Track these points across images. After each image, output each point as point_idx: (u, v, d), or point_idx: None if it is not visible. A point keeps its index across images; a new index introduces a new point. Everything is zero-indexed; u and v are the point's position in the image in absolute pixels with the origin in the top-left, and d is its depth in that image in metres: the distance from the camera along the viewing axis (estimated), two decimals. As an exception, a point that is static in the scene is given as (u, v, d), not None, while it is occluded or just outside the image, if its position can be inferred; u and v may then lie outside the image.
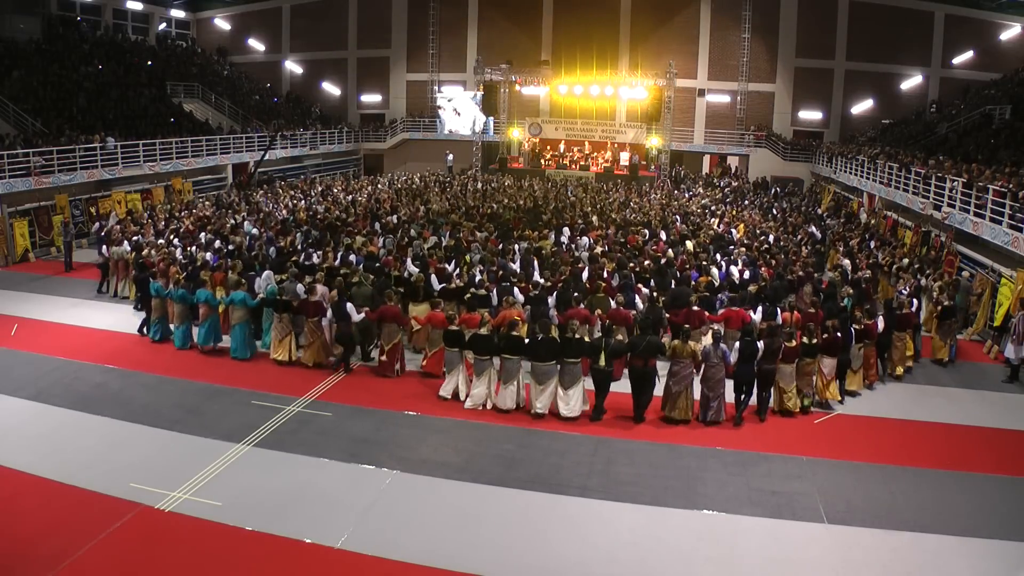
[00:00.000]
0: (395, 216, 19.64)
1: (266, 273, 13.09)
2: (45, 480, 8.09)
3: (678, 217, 21.21)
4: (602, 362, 9.89)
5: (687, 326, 10.52)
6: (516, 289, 12.32)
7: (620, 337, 10.77)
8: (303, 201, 23.20)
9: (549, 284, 12.89)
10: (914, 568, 6.96)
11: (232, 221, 18.90)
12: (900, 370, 11.96)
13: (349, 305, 11.43)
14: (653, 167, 33.64)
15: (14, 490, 7.92)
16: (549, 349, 9.99)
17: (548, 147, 35.60)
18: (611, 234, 17.77)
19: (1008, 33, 29.84)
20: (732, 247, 16.95)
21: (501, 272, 13.39)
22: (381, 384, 11.19)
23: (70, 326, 13.57)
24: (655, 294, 12.68)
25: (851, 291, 13.09)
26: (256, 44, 38.81)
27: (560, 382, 10.07)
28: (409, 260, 13.91)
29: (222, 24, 39.42)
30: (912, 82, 31.76)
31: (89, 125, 23.53)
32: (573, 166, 33.89)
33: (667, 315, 11.86)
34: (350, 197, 24.45)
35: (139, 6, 35.60)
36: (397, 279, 13.11)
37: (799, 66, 33.44)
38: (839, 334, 10.64)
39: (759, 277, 13.94)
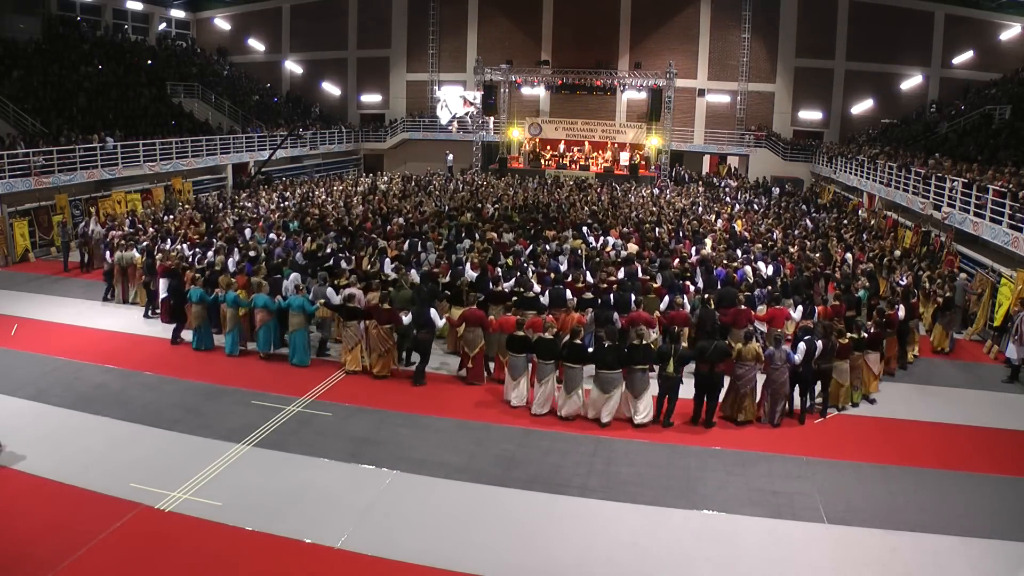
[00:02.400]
0: (400, 218, 19.30)
1: (293, 276, 12.86)
2: (45, 480, 8.10)
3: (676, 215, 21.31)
4: (671, 369, 9.76)
5: (750, 327, 10.48)
6: (568, 291, 12.14)
7: (685, 344, 10.45)
8: (286, 203, 22.64)
9: (605, 286, 12.69)
10: (914, 568, 6.96)
11: (230, 221, 18.82)
12: (911, 356, 12.54)
13: (433, 311, 11.20)
14: (653, 167, 33.67)
15: (14, 490, 7.92)
16: (615, 357, 9.80)
17: (548, 147, 35.60)
18: (633, 232, 17.77)
19: (1008, 33, 29.82)
20: (747, 244, 17.12)
21: (554, 275, 13.22)
22: (381, 384, 11.18)
23: (70, 326, 13.57)
24: (707, 294, 12.48)
25: (867, 283, 13.58)
26: (256, 44, 38.79)
27: (630, 390, 9.90)
28: (468, 266, 13.50)
29: (222, 24, 39.41)
30: (912, 82, 31.75)
31: (89, 125, 23.51)
32: (573, 166, 33.90)
33: (718, 314, 11.72)
34: (324, 197, 23.87)
35: (139, 6, 35.60)
36: (445, 284, 12.88)
37: (799, 66, 33.44)
38: (879, 329, 10.93)
39: (782, 273, 14.20)
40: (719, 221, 20.84)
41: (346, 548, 7.05)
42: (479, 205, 22.00)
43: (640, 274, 13.44)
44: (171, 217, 19.51)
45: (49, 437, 9.14)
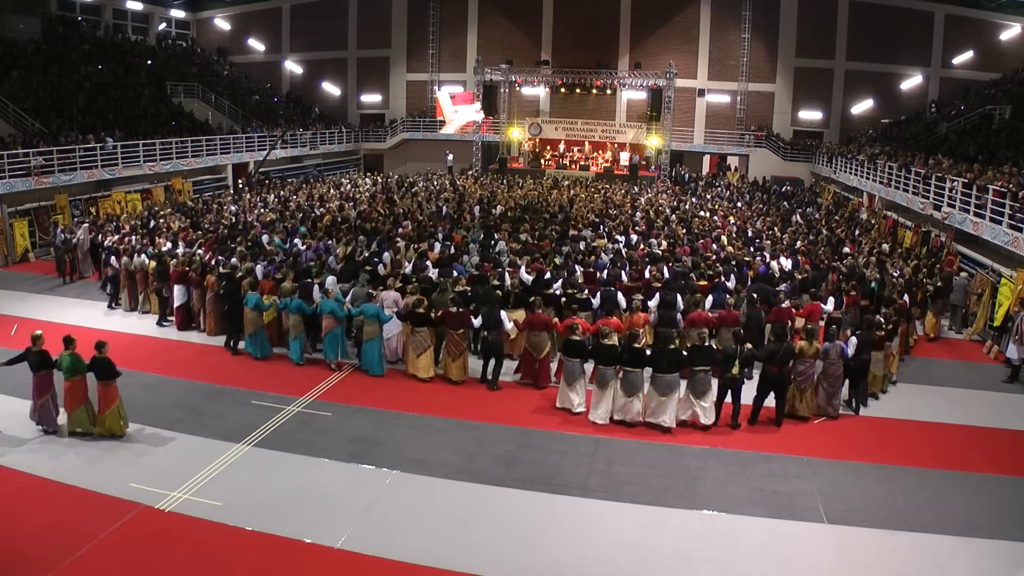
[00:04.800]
0: (410, 222, 18.77)
1: (329, 279, 12.67)
2: (45, 480, 8.11)
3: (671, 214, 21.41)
4: (735, 371, 9.74)
5: (810, 325, 10.56)
6: (619, 293, 12.05)
7: (749, 345, 10.36)
8: (270, 207, 21.88)
9: (658, 285, 12.59)
10: (914, 568, 6.96)
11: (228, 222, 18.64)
12: (912, 341, 13.32)
13: (503, 313, 11.05)
14: (653, 167, 33.67)
15: (14, 490, 7.93)
16: (674, 361, 9.73)
17: (548, 147, 35.61)
18: (655, 231, 17.81)
19: (1008, 33, 29.84)
20: (758, 240, 17.27)
21: (604, 275, 13.12)
22: (381, 384, 11.18)
23: (70, 326, 13.52)
24: (754, 294, 12.31)
25: (877, 275, 14.10)
26: (256, 44, 38.79)
27: (691, 391, 9.86)
28: (523, 268, 13.27)
29: (222, 24, 39.42)
30: (912, 82, 31.76)
31: (89, 125, 23.51)
32: (573, 166, 33.91)
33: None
34: (301, 201, 22.95)
35: (139, 6, 35.61)
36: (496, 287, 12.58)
37: (799, 66, 33.45)
38: (897, 317, 11.52)
39: (800, 267, 14.49)
40: (715, 218, 21.06)
41: (346, 548, 7.04)
42: (482, 207, 21.80)
43: (682, 273, 13.40)
44: (156, 223, 18.34)
45: (49, 437, 9.17)
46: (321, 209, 21.09)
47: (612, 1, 34.57)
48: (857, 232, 20.14)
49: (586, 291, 12.28)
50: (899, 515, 7.83)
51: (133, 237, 16.03)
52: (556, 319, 11.32)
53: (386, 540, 7.16)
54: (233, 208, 21.32)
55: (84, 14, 32.78)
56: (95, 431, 9.18)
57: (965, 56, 30.34)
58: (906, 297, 12.69)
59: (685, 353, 9.87)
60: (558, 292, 12.38)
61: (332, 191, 25.89)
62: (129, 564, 6.75)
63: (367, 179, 30.28)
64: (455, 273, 13.09)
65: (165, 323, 13.79)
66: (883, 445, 9.53)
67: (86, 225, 17.90)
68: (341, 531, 7.28)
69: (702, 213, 22.03)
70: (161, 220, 18.63)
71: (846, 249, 17.28)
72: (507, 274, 13.04)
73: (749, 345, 10.20)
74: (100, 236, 17.28)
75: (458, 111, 31.44)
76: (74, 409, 9.20)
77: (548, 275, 12.96)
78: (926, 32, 31.45)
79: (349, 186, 27.58)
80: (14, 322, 13.55)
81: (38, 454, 8.70)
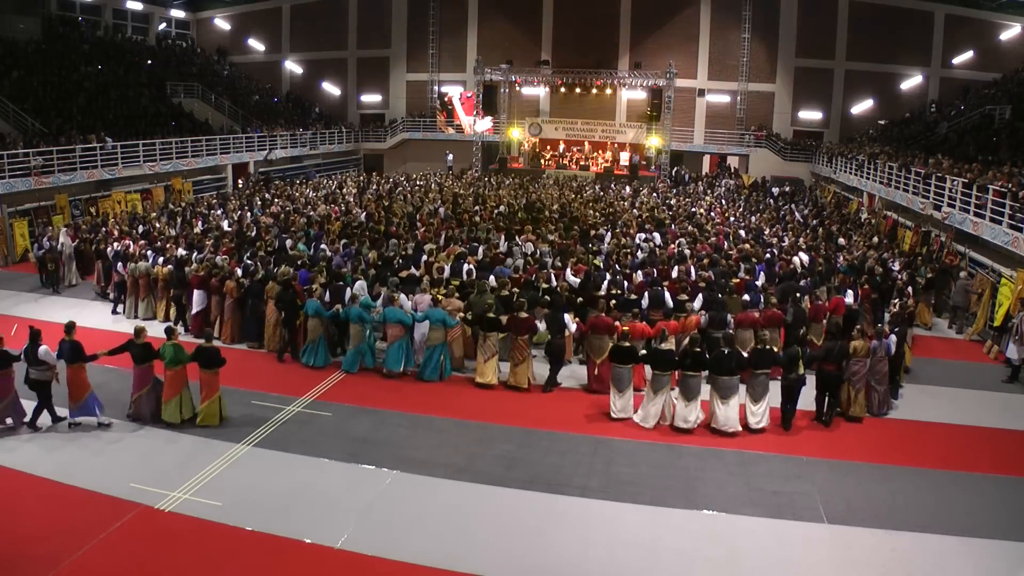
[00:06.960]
0: (421, 225, 18.28)
1: (359, 283, 12.50)
2: (45, 480, 8.10)
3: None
4: (801, 370, 9.73)
5: (859, 327, 10.62)
6: (667, 293, 11.99)
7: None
8: (252, 212, 21.12)
9: (704, 284, 12.53)
10: (914, 568, 6.96)
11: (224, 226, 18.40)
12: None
13: (567, 316, 10.97)
14: (653, 167, 33.67)
15: (14, 490, 7.93)
16: (736, 362, 9.64)
17: (548, 147, 35.60)
18: (675, 230, 17.92)
19: (1008, 33, 29.85)
20: (760, 236, 17.49)
21: (634, 274, 13.11)
22: (381, 384, 11.18)
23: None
24: (796, 293, 12.23)
25: (880, 268, 14.34)
26: (256, 44, 38.80)
27: (751, 394, 9.80)
28: (569, 271, 13.19)
29: (222, 24, 39.42)
30: (912, 82, 31.77)
31: (89, 125, 23.51)
32: (573, 166, 33.91)
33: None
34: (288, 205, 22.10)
35: (139, 6, 35.62)
36: (545, 290, 12.43)
37: (799, 66, 33.46)
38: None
39: (815, 262, 14.74)
40: (713, 214, 21.17)
41: (346, 548, 7.04)
42: (484, 206, 21.64)
43: (722, 272, 13.42)
44: (145, 227, 17.84)
45: (49, 437, 9.17)
46: (313, 213, 20.71)
47: (612, 1, 34.57)
48: (848, 227, 20.45)
49: (633, 292, 12.24)
50: (899, 515, 7.82)
51: (131, 243, 15.79)
52: (619, 324, 10.91)
53: (386, 540, 7.16)
54: (219, 212, 20.84)
55: (84, 14, 32.80)
56: (191, 418, 9.63)
57: (965, 56, 30.36)
58: (909, 289, 12.99)
59: (745, 355, 9.84)
60: (602, 294, 12.20)
61: (312, 193, 24.82)
62: (129, 564, 6.75)
63: (350, 181, 29.39)
64: (503, 276, 12.92)
65: (185, 332, 13.21)
66: (883, 445, 9.53)
67: (65, 230, 17.30)
68: (341, 531, 7.28)
69: (695, 210, 22.06)
70: (148, 225, 18.20)
71: (841, 240, 17.68)
72: (553, 276, 12.95)
73: (811, 349, 10.23)
74: (83, 243, 16.93)
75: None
76: (169, 399, 9.54)
77: (593, 277, 12.80)
78: (926, 32, 31.46)
79: (335, 186, 27.06)
80: (14, 322, 13.52)
81: (38, 454, 8.70)
